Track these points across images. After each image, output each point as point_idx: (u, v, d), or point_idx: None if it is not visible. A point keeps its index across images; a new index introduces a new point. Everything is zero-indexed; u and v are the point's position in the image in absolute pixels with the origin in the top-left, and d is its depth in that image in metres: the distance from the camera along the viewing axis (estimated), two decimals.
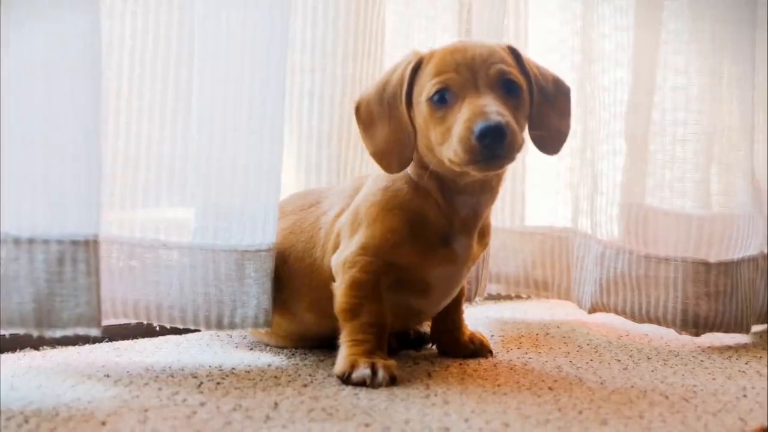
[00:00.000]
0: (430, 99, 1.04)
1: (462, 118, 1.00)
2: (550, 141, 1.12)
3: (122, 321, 1.18)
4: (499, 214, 1.59)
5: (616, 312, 1.43)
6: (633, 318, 1.42)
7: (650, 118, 1.45)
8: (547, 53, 1.61)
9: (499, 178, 1.12)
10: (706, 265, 1.38)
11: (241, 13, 1.11)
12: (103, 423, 0.86)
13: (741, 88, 1.44)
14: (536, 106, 1.09)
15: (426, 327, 1.29)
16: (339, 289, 1.10)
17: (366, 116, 1.11)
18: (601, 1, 1.47)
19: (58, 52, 0.97)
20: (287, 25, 1.15)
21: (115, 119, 1.14)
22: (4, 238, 0.96)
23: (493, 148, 0.98)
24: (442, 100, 1.04)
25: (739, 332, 1.40)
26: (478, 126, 0.98)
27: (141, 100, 1.15)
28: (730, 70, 1.44)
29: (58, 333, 0.98)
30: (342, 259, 1.10)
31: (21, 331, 0.98)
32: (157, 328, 1.19)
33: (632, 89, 1.45)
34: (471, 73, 1.03)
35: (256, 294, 1.14)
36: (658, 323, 1.40)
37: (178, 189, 1.16)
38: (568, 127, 1.14)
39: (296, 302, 1.17)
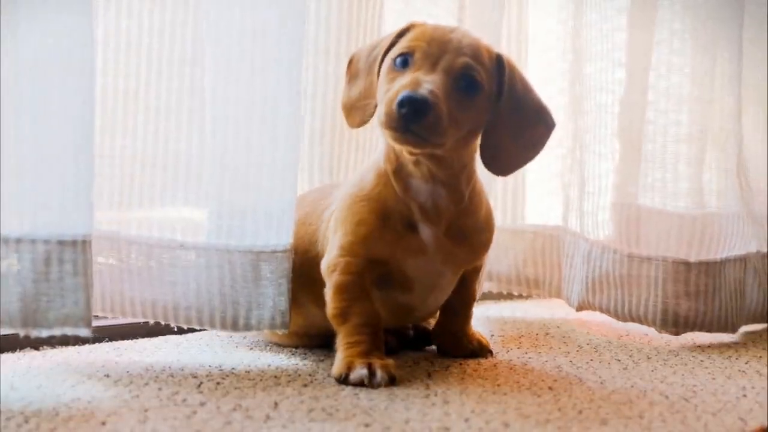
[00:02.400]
0: (393, 59, 1.06)
1: (398, 84, 1.01)
2: (501, 161, 1.11)
3: (140, 320, 1.19)
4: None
5: (601, 310, 1.44)
6: (617, 316, 1.43)
7: (643, 117, 1.45)
8: (545, 52, 1.61)
9: (450, 175, 1.09)
10: (687, 264, 1.38)
11: (253, 12, 1.11)
12: (103, 423, 0.86)
13: (730, 88, 1.44)
14: (501, 120, 1.08)
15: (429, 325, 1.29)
16: (327, 294, 1.10)
17: (354, 69, 1.14)
18: (595, 2, 1.47)
19: (50, 51, 0.97)
20: (302, 23, 1.15)
21: (133, 119, 1.15)
22: None
23: (408, 119, 0.98)
24: (404, 63, 1.05)
25: (724, 332, 1.40)
26: (402, 93, 0.99)
27: (158, 99, 1.15)
28: (722, 69, 1.44)
29: (44, 333, 0.98)
30: (327, 264, 1.11)
31: (8, 331, 0.98)
32: (175, 328, 1.19)
33: (625, 89, 1.45)
34: (439, 51, 1.04)
35: (272, 295, 1.14)
36: (640, 322, 1.41)
37: (194, 188, 1.16)
38: (531, 157, 1.13)
39: (303, 293, 1.17)
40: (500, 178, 1.58)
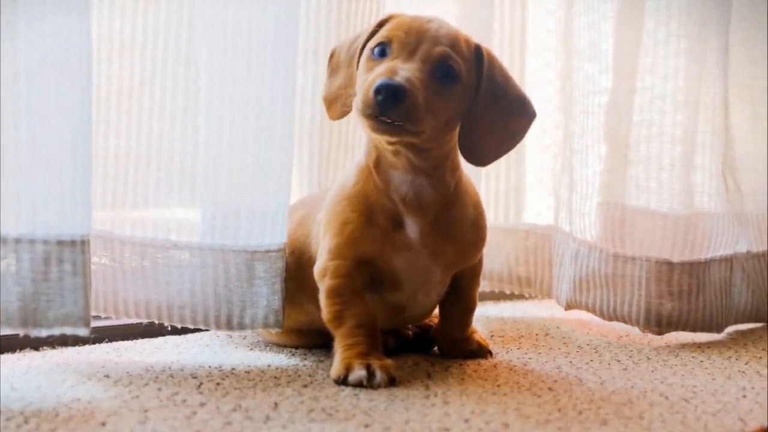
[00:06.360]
0: (371, 49, 1.06)
1: (376, 72, 1.02)
2: (480, 151, 1.11)
3: (135, 320, 1.20)
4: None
5: (588, 309, 1.44)
6: (602, 316, 1.43)
7: (630, 118, 1.45)
8: (543, 52, 1.60)
9: (433, 166, 1.09)
10: (670, 264, 1.38)
11: (248, 12, 1.12)
12: (103, 423, 0.86)
13: (716, 87, 1.44)
14: (480, 110, 1.08)
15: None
16: (321, 299, 1.10)
17: (335, 62, 1.15)
18: (584, 5, 1.46)
19: (49, 51, 0.97)
20: (296, 23, 1.15)
21: (127, 119, 1.15)
22: None
23: (384, 106, 0.99)
24: (382, 53, 1.05)
25: (709, 332, 1.40)
26: (378, 81, 0.99)
27: (152, 99, 1.15)
28: (709, 70, 1.44)
29: (44, 333, 0.98)
30: (318, 269, 1.11)
31: (7, 331, 0.98)
32: (169, 327, 1.19)
33: (612, 91, 1.45)
34: (417, 40, 1.04)
35: (266, 295, 1.14)
36: (624, 321, 1.41)
37: (188, 188, 1.16)
38: (510, 148, 1.13)
39: (299, 291, 1.18)
40: (494, 176, 1.59)
